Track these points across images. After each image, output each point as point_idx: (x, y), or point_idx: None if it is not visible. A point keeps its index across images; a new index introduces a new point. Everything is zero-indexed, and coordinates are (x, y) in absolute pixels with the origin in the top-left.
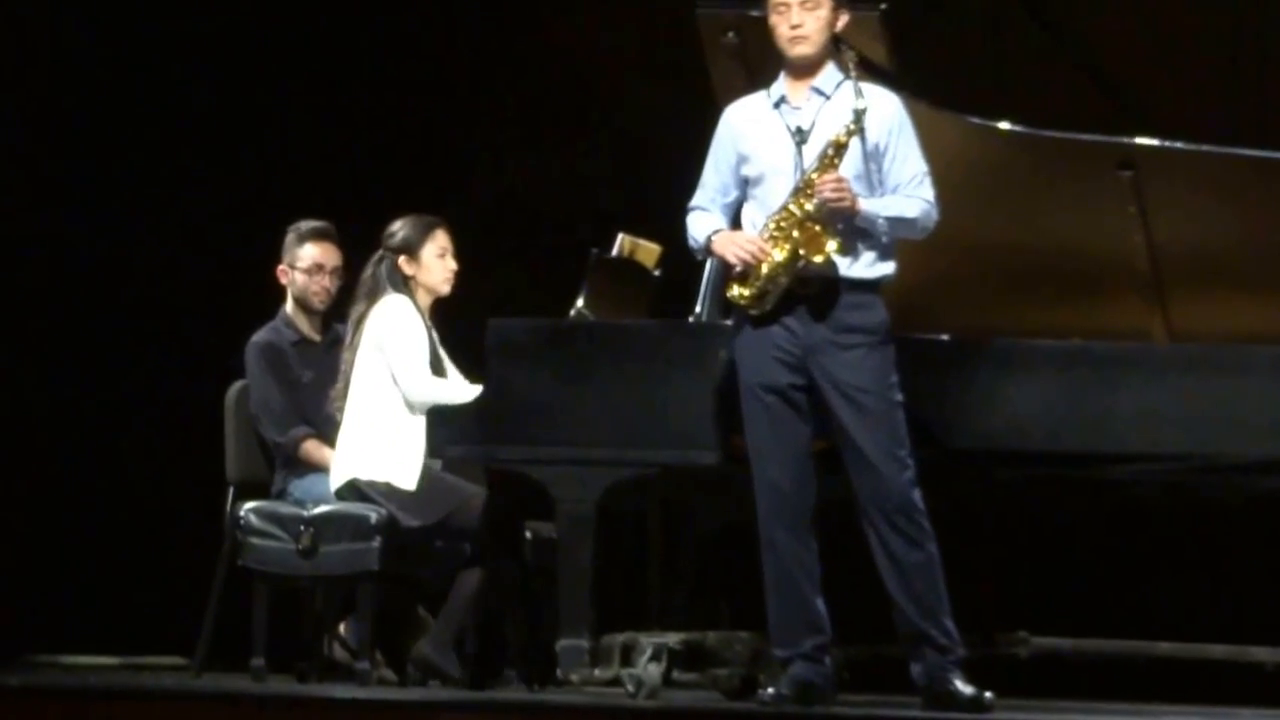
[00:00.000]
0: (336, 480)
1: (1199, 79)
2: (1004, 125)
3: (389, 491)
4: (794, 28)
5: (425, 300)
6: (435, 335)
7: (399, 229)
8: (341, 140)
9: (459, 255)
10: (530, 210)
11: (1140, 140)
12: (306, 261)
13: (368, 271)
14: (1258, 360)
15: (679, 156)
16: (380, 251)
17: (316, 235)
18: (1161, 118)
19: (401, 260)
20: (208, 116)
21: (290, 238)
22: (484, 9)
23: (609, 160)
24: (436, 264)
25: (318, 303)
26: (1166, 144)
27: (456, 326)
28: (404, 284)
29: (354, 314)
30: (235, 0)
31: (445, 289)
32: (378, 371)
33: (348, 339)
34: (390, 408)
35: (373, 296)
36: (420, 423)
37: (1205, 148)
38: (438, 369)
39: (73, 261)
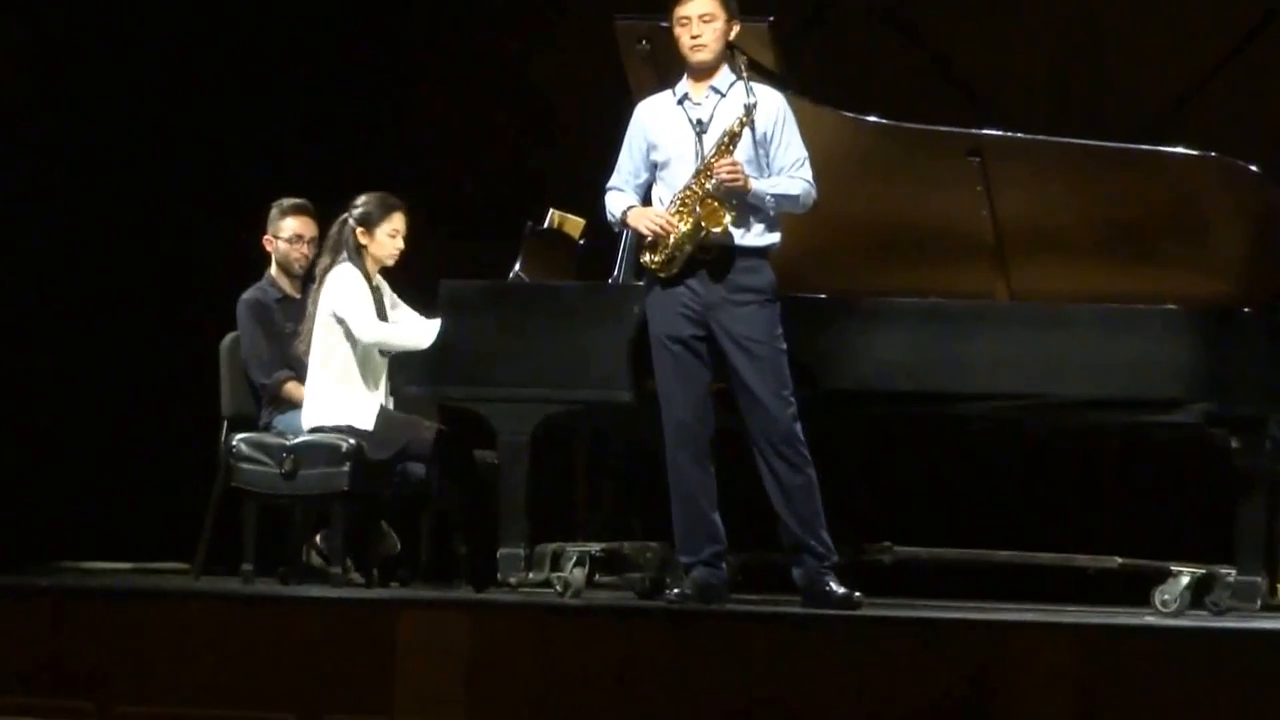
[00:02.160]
0: (308, 424)
1: (1036, 79)
2: (871, 118)
3: (350, 433)
4: (694, 38)
5: (373, 266)
6: (385, 290)
7: (364, 203)
8: (318, 127)
9: (412, 232)
10: (473, 189)
11: (986, 131)
12: (288, 232)
13: (333, 230)
14: (1082, 316)
15: (599, 142)
16: (345, 216)
17: (296, 210)
18: (1005, 112)
19: (359, 231)
20: (209, 98)
21: (274, 212)
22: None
23: (546, 149)
24: (388, 241)
25: (298, 267)
26: (1008, 134)
27: (418, 283)
28: (357, 250)
29: (320, 265)
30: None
31: (390, 263)
32: (332, 336)
33: (314, 287)
34: (344, 365)
35: (334, 254)
36: (369, 373)
37: (1041, 138)
38: (383, 319)
39: (94, 232)
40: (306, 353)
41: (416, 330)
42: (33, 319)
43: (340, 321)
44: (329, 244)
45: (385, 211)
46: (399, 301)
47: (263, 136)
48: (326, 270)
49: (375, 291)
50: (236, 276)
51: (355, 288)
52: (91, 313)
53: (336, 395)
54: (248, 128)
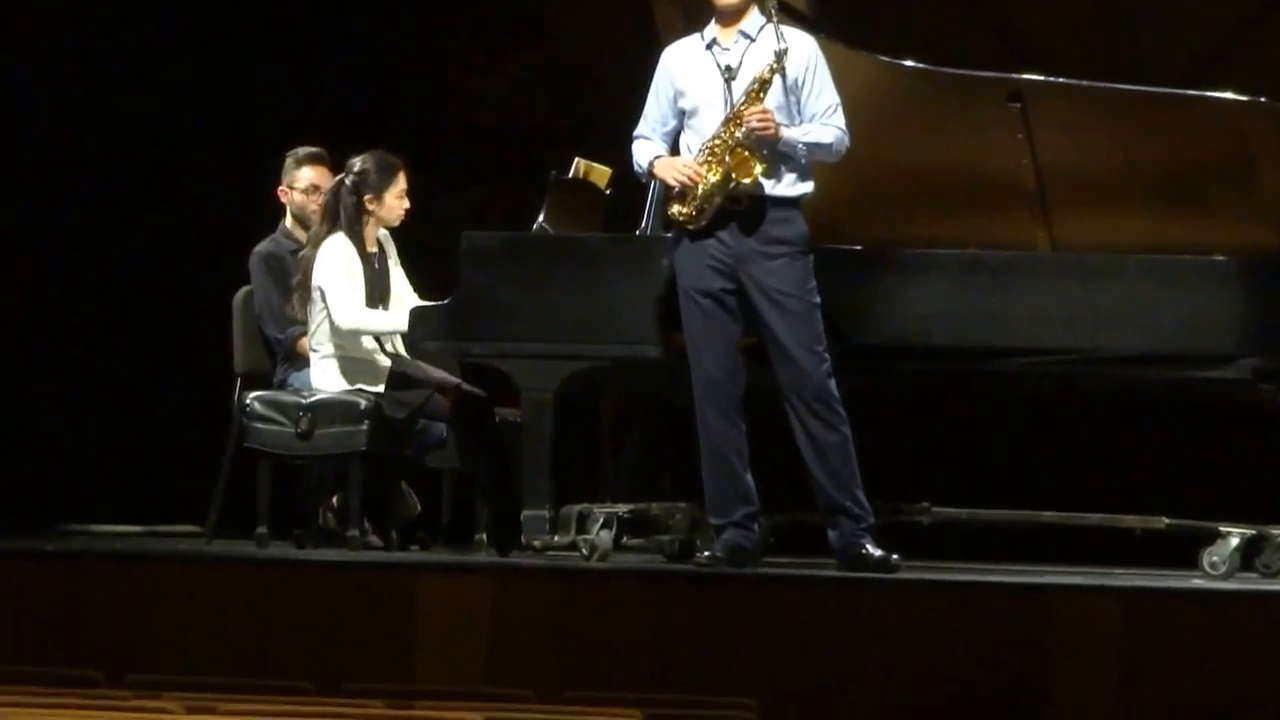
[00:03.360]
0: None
1: (1079, 21)
2: (908, 63)
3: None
4: None
5: (375, 228)
6: (389, 250)
7: (365, 168)
8: (336, 74)
9: (430, 180)
10: (495, 136)
11: (1027, 76)
12: (304, 183)
13: (327, 198)
14: (1126, 268)
15: (624, 88)
16: (342, 180)
17: (312, 160)
18: (1047, 56)
19: (366, 198)
20: (224, 45)
21: (289, 162)
22: None
23: (565, 89)
24: (395, 204)
25: (313, 217)
26: (1050, 79)
27: (428, 238)
28: (358, 216)
29: (312, 235)
30: None
31: (397, 224)
32: (322, 307)
33: (306, 250)
34: (341, 333)
35: (330, 223)
36: (369, 338)
37: (1084, 82)
38: (381, 294)
39: (105, 184)
40: (298, 311)
41: (393, 318)
42: (41, 274)
43: (324, 297)
44: (325, 211)
45: (389, 173)
46: (398, 266)
47: (279, 84)
48: (320, 239)
49: (373, 259)
50: (250, 228)
51: (343, 266)
52: (101, 267)
53: (339, 365)
54: (262, 75)
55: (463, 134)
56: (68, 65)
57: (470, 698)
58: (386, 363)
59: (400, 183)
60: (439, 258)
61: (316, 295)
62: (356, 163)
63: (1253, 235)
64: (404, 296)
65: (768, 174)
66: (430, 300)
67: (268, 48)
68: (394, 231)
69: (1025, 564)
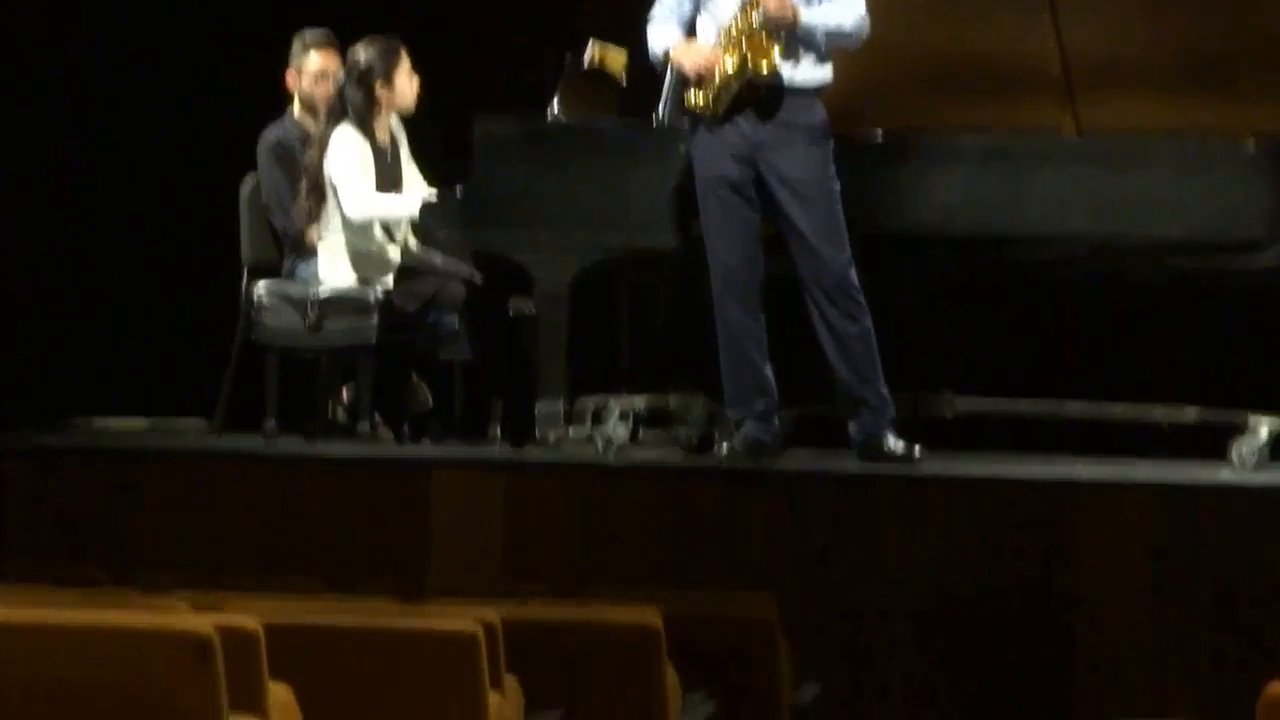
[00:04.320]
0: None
1: None
2: None
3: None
4: None
5: (388, 116)
6: (400, 145)
7: (367, 56)
8: None
9: (441, 67)
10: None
11: None
12: (313, 68)
13: (333, 100)
14: (1157, 151)
15: None
16: (341, 81)
17: (319, 43)
18: None
19: (378, 84)
20: None
21: (296, 46)
22: None
23: None
24: (406, 85)
25: (322, 104)
26: None
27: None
28: (368, 108)
29: (317, 135)
30: None
31: (413, 104)
32: (334, 198)
33: (310, 151)
34: (352, 225)
35: (336, 119)
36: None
37: None
38: (393, 185)
39: (105, 68)
40: (300, 223)
41: (404, 202)
42: (46, 165)
43: (335, 188)
44: (330, 112)
45: (392, 55)
46: (410, 159)
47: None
48: (327, 138)
49: (385, 151)
50: (256, 113)
51: (353, 155)
52: (101, 155)
53: (347, 253)
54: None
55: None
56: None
57: (484, 594)
58: (396, 255)
59: (405, 61)
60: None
61: (328, 189)
62: (356, 56)
63: None
64: (416, 187)
65: (786, 59)
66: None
67: None
68: (405, 124)
69: (1051, 454)
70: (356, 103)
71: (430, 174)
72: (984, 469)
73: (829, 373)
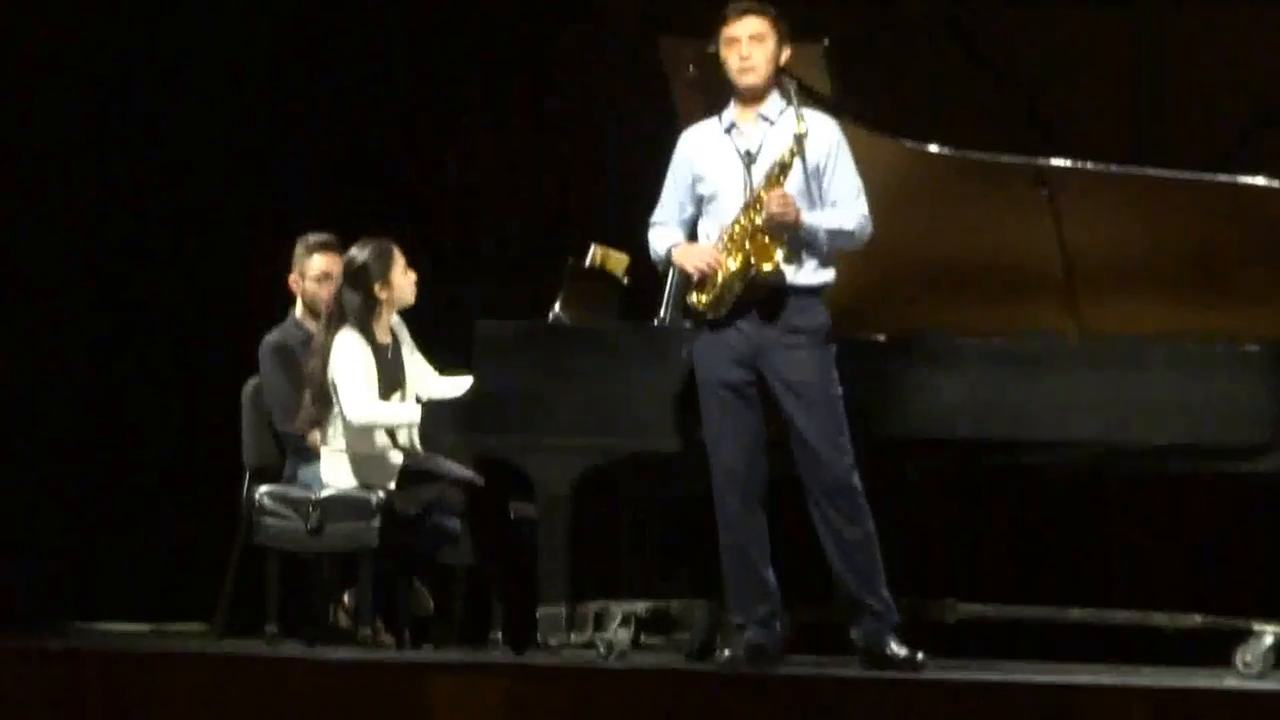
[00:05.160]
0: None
1: (1107, 106)
2: (933, 148)
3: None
4: (743, 59)
5: (389, 315)
6: (401, 342)
7: (362, 259)
8: (347, 161)
9: (448, 272)
10: (511, 221)
11: (1054, 161)
12: (315, 271)
13: (332, 305)
14: (1158, 356)
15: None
16: (339, 287)
17: (323, 247)
18: (1074, 141)
19: (375, 287)
20: (233, 132)
21: (299, 250)
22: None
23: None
24: (404, 282)
25: (325, 308)
26: (1077, 164)
27: (440, 326)
28: (367, 310)
29: (317, 342)
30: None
31: (412, 299)
32: (338, 404)
33: (313, 360)
34: (354, 430)
35: (337, 325)
36: (382, 434)
37: (1112, 168)
38: (396, 385)
39: (109, 271)
40: (300, 430)
41: (406, 411)
42: (46, 361)
43: (337, 392)
44: (329, 318)
45: (386, 255)
46: (414, 349)
47: (287, 170)
48: (329, 343)
49: (386, 350)
50: (259, 317)
51: (356, 360)
52: (105, 356)
53: (349, 457)
54: (271, 160)
55: (477, 222)
56: (73, 152)
57: None
58: (398, 460)
59: (399, 259)
60: (451, 350)
61: (332, 395)
62: (350, 261)
63: None
64: (424, 380)
65: (789, 260)
66: (453, 374)
67: (281, 134)
68: (407, 320)
69: (1053, 662)
70: (355, 305)
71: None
72: (986, 674)
73: (831, 577)
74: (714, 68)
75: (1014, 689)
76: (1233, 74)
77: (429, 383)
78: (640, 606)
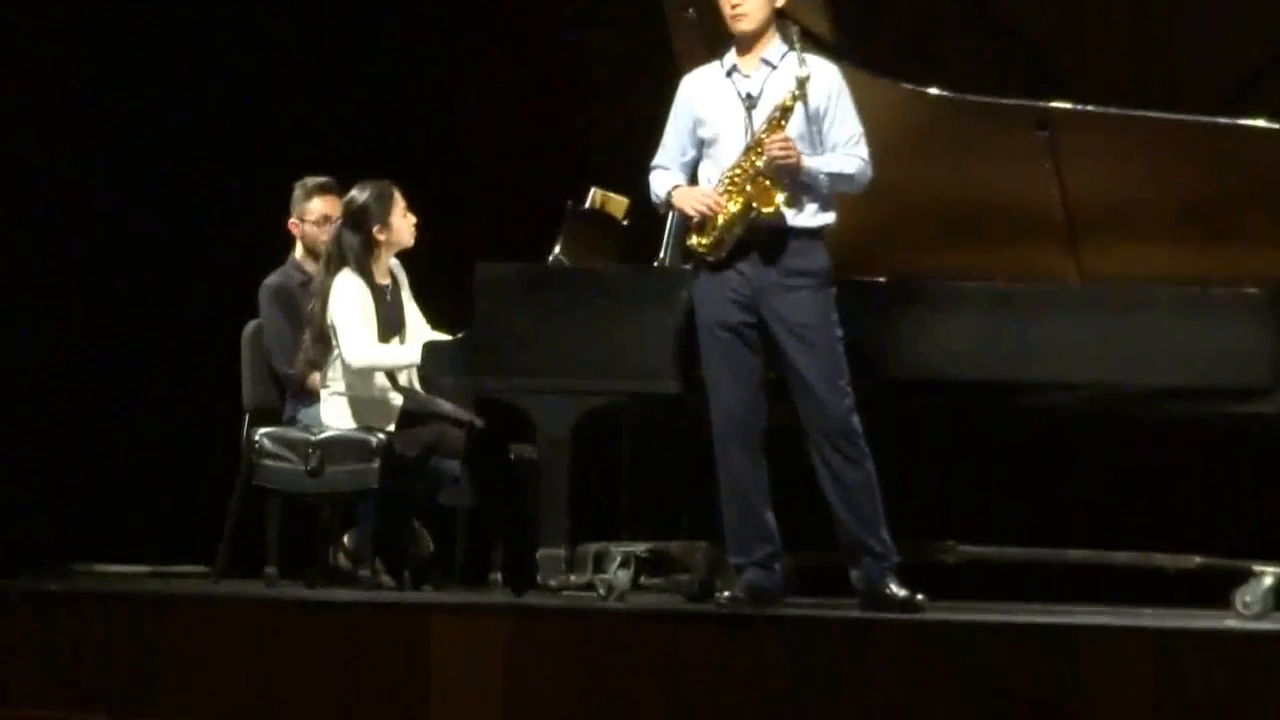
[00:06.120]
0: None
1: (1110, 47)
2: (933, 91)
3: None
4: (734, 7)
5: (387, 257)
6: (400, 285)
7: (362, 200)
8: (348, 105)
9: (448, 213)
10: (511, 164)
11: (1055, 104)
12: (314, 214)
13: (330, 245)
14: (1159, 300)
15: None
16: (338, 228)
17: (322, 190)
18: (1076, 83)
19: (374, 229)
20: (233, 77)
21: (298, 193)
22: None
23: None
24: (403, 224)
25: (324, 249)
26: (1078, 107)
27: (441, 269)
28: (366, 252)
29: (316, 283)
30: None
31: (411, 241)
32: (337, 346)
33: (313, 301)
34: (354, 372)
35: (336, 267)
36: (381, 376)
37: (1113, 110)
38: (395, 327)
39: (109, 214)
40: (302, 369)
41: (406, 353)
42: (44, 308)
43: (336, 334)
44: (328, 258)
45: (386, 197)
46: (411, 298)
47: (287, 114)
48: (328, 284)
49: (385, 291)
50: (259, 259)
51: (355, 302)
52: (105, 300)
53: (349, 399)
54: (271, 105)
55: (478, 164)
56: (74, 97)
57: None
58: (398, 401)
59: (399, 201)
60: (450, 291)
61: (331, 336)
62: (350, 202)
63: None
64: (417, 328)
65: (789, 204)
66: (442, 333)
67: (277, 78)
68: (404, 261)
69: (1054, 603)
70: (354, 247)
71: (434, 316)
72: (986, 616)
73: (831, 519)
74: (712, 11)
75: (1014, 630)
76: (1241, 13)
77: (424, 333)
78: (640, 548)
